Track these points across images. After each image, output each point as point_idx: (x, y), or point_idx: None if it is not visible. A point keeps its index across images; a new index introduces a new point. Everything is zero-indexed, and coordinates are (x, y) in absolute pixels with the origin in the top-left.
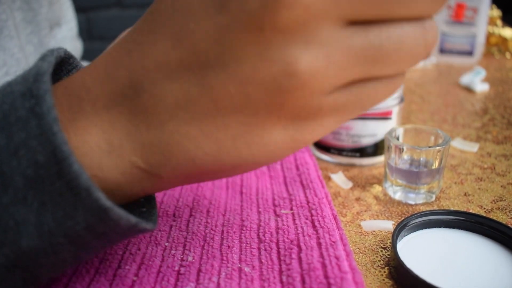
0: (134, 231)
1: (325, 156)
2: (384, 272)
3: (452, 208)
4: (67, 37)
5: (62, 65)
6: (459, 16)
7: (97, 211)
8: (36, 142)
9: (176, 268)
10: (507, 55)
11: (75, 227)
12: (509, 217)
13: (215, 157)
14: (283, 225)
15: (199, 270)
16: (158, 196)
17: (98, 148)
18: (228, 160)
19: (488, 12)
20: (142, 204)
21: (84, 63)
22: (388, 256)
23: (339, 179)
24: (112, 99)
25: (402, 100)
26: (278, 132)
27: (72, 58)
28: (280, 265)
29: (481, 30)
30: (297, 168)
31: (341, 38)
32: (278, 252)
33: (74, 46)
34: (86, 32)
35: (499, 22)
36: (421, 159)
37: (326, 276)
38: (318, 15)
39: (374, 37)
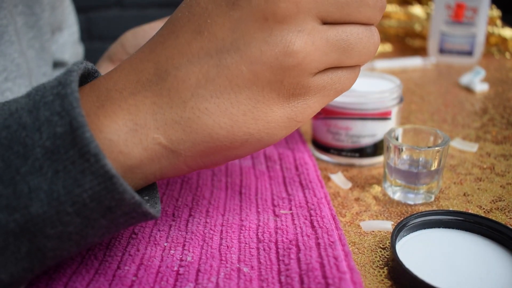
0: (138, 213)
1: (324, 157)
2: (383, 272)
3: (451, 209)
4: (69, 42)
5: (88, 77)
6: (459, 16)
7: (103, 179)
8: (57, 117)
9: (175, 268)
10: (507, 55)
11: (82, 195)
12: (508, 217)
13: (228, 131)
14: (282, 225)
15: (198, 270)
16: None
17: (125, 127)
18: (238, 134)
19: (487, 12)
20: (145, 195)
21: None
22: (387, 256)
23: (339, 179)
24: (137, 86)
25: (401, 100)
26: (277, 110)
27: (97, 72)
28: (278, 265)
29: (480, 30)
30: (297, 169)
31: (321, 30)
32: (277, 252)
33: (75, 51)
34: (86, 32)
35: (498, 22)
36: (420, 159)
37: (325, 276)
38: (304, 10)
39: (342, 32)
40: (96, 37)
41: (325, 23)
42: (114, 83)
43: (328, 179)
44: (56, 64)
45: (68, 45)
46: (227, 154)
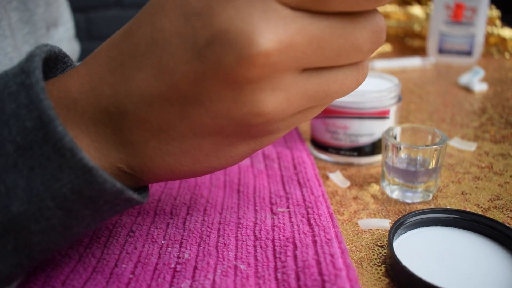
0: (122, 200)
1: (323, 155)
2: (381, 270)
3: (449, 207)
4: (64, 38)
5: (57, 63)
6: (458, 16)
7: (81, 172)
8: (25, 110)
9: (172, 266)
10: (506, 55)
11: (62, 189)
12: (506, 215)
13: (190, 168)
14: (279, 223)
15: (195, 268)
16: (156, 194)
17: (89, 155)
18: (200, 169)
19: (487, 12)
20: None
21: None
22: (385, 254)
23: (337, 178)
24: (97, 113)
25: (399, 99)
26: (242, 147)
27: (67, 57)
28: (275, 262)
29: (480, 30)
30: (295, 167)
31: (299, 84)
32: (274, 250)
33: (71, 47)
34: (85, 32)
35: (498, 22)
36: (418, 158)
37: (321, 273)
38: (283, 69)
39: (323, 82)
40: (96, 37)
41: (306, 69)
42: (74, 101)
43: (326, 177)
44: None
45: (64, 41)
46: (191, 177)
